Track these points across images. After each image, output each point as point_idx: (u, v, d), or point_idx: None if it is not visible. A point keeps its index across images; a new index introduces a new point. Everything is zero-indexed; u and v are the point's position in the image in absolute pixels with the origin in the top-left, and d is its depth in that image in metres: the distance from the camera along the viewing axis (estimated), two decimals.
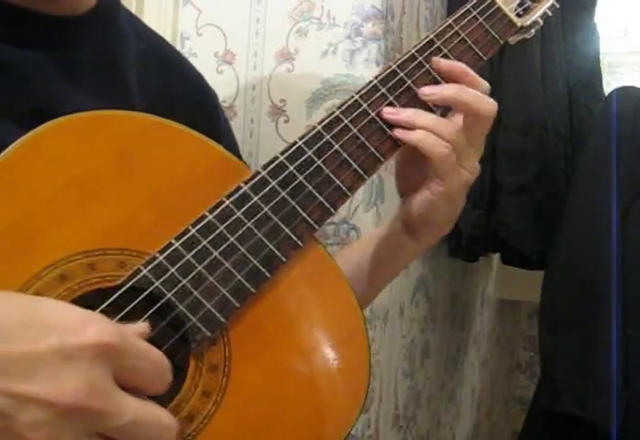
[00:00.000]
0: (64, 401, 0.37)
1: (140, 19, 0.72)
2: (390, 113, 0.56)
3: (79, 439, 0.38)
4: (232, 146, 0.75)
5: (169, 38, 1.11)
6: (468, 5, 0.59)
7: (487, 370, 2.04)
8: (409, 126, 0.56)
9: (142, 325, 0.44)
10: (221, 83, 1.09)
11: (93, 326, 0.39)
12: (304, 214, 0.52)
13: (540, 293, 1.36)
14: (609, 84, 1.80)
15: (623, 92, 1.35)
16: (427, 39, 0.58)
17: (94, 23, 0.61)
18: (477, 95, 0.57)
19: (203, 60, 1.10)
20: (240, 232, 0.50)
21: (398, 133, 0.56)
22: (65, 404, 0.37)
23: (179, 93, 0.68)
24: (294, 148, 0.53)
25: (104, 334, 0.39)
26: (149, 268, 0.48)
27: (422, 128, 0.56)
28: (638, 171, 1.28)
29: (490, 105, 0.57)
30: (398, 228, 0.64)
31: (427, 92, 0.57)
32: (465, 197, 0.61)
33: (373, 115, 0.55)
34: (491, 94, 0.58)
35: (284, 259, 0.51)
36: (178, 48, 1.11)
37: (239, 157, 0.66)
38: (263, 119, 1.08)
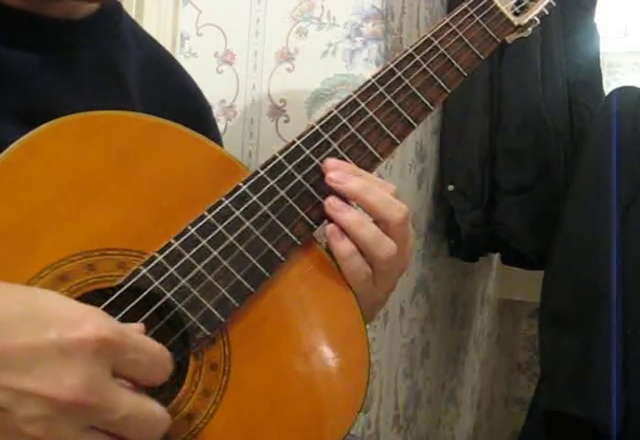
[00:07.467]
0: (62, 397, 0.38)
1: (141, 27, 0.72)
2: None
3: (75, 433, 0.39)
4: None
5: (169, 38, 1.11)
6: (465, 4, 0.59)
7: (487, 370, 2.04)
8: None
9: (138, 325, 0.45)
10: (221, 83, 1.09)
11: (92, 321, 0.39)
12: (303, 214, 0.52)
13: (540, 293, 1.36)
14: (609, 84, 1.80)
15: (623, 92, 1.35)
16: (425, 39, 0.58)
17: (94, 27, 0.61)
18: (384, 199, 0.53)
19: (203, 60, 1.10)
20: (239, 231, 0.50)
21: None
22: (63, 400, 0.38)
23: (173, 101, 0.68)
24: (293, 147, 0.53)
25: (102, 329, 0.39)
26: (149, 268, 0.48)
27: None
28: (638, 171, 1.27)
29: (399, 213, 0.53)
30: None
31: (333, 178, 0.53)
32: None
33: (372, 114, 0.55)
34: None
35: (283, 259, 0.52)
36: (178, 48, 1.11)
37: None
38: (263, 119, 1.08)
